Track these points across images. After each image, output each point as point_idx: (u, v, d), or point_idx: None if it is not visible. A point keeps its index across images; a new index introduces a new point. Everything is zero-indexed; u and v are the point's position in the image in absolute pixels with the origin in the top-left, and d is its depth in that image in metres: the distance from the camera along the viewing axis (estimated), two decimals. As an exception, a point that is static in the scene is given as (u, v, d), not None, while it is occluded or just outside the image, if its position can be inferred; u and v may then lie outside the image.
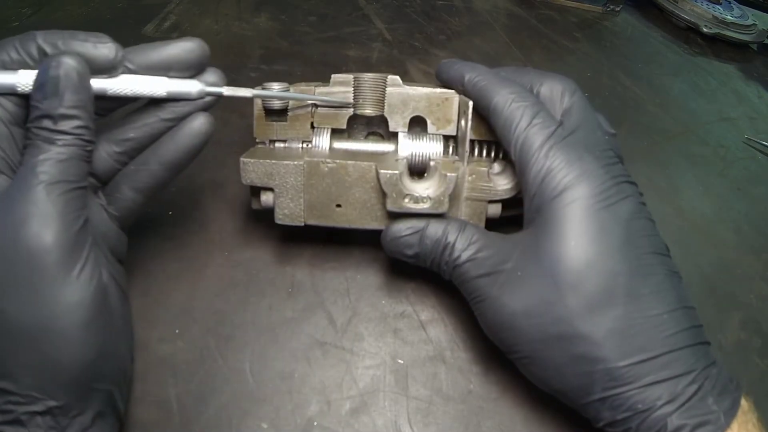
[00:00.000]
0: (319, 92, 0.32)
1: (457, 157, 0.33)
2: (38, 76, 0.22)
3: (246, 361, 0.30)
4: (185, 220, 0.37)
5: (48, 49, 0.23)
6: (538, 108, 0.28)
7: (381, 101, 0.33)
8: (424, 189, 0.29)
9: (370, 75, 0.32)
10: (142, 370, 0.29)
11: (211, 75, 0.27)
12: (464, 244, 0.28)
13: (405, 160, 0.31)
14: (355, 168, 0.30)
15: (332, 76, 0.33)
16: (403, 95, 0.32)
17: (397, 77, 0.32)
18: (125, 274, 0.27)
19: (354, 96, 0.33)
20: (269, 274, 0.34)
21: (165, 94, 0.25)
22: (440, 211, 0.29)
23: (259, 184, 0.31)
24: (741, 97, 0.62)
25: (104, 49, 0.23)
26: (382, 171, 0.29)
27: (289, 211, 0.31)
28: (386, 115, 0.33)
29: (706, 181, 0.48)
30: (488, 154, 0.33)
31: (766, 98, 0.64)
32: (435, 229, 0.29)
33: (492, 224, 0.32)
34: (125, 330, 0.26)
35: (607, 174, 0.26)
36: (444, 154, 0.33)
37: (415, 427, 0.29)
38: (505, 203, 0.32)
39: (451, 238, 0.28)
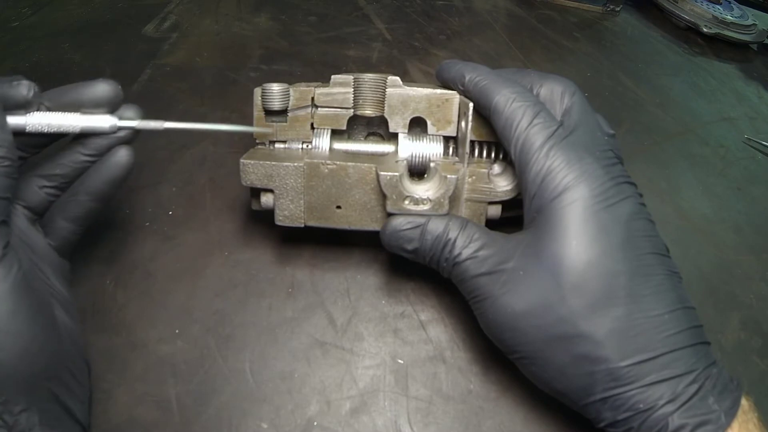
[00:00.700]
0: (319, 92, 0.32)
1: (457, 158, 0.33)
2: None
3: (246, 361, 0.30)
4: (185, 220, 0.37)
5: None
6: (538, 108, 0.28)
7: (381, 102, 0.33)
8: (425, 191, 0.29)
9: (370, 75, 0.32)
10: (142, 370, 0.29)
11: (129, 110, 0.28)
12: (465, 242, 0.28)
13: (405, 162, 0.31)
14: (355, 170, 0.30)
15: (332, 76, 0.33)
16: (403, 96, 0.32)
17: (397, 78, 0.32)
18: (71, 295, 0.28)
19: (354, 96, 0.33)
20: (269, 274, 0.34)
21: (79, 128, 0.27)
22: (440, 213, 0.29)
23: (259, 186, 0.31)
24: (741, 97, 0.62)
25: (20, 87, 0.25)
26: (382, 173, 0.29)
27: (289, 212, 0.31)
28: (386, 116, 0.33)
29: (706, 181, 0.48)
30: (488, 155, 0.33)
31: (766, 98, 0.64)
32: (436, 225, 0.29)
33: (492, 225, 0.32)
34: (71, 337, 0.26)
35: (607, 174, 0.26)
36: (444, 155, 0.33)
37: (415, 427, 0.29)
38: (505, 204, 0.32)
39: (452, 235, 0.28)
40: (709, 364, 0.24)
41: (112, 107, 0.28)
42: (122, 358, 0.30)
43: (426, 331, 0.33)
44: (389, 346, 0.32)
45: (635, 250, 0.25)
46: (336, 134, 0.34)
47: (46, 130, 0.26)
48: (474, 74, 0.31)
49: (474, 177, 0.31)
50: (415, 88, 0.32)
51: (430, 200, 0.29)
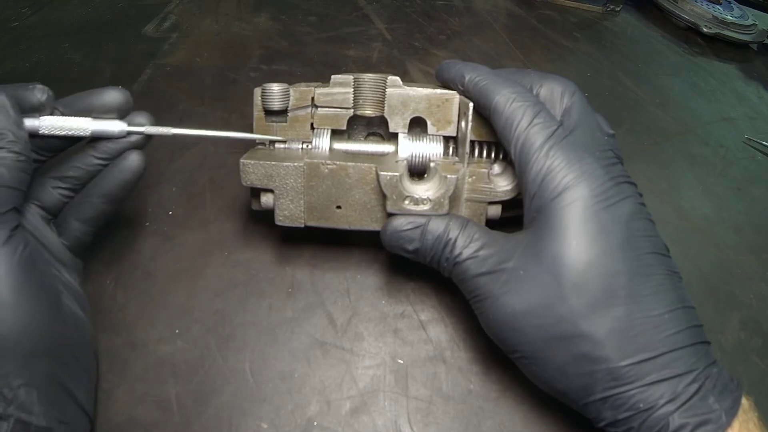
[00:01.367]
0: (319, 92, 0.32)
1: (457, 158, 0.33)
2: None
3: (246, 361, 0.30)
4: (185, 220, 0.37)
5: None
6: (539, 108, 0.28)
7: (381, 102, 0.33)
8: (425, 191, 0.29)
9: (370, 76, 0.32)
10: (142, 370, 0.29)
11: (139, 116, 0.30)
12: (465, 242, 0.28)
13: (405, 162, 0.31)
14: (355, 170, 0.30)
15: (332, 77, 0.33)
16: (403, 96, 0.32)
17: (398, 78, 0.32)
18: (84, 293, 0.29)
19: (354, 96, 0.33)
20: (269, 274, 0.34)
21: (90, 132, 0.28)
22: (440, 213, 0.29)
23: (259, 186, 0.31)
24: (741, 97, 0.62)
25: (35, 92, 0.27)
26: (382, 173, 0.29)
27: (290, 212, 0.31)
28: (386, 116, 0.33)
29: (706, 181, 0.48)
30: (488, 155, 0.33)
31: (766, 98, 0.64)
32: (437, 225, 0.29)
33: (492, 225, 0.32)
34: (80, 330, 0.27)
35: (607, 174, 0.26)
36: (444, 155, 0.33)
37: (415, 427, 0.29)
38: (505, 204, 0.32)
39: (452, 235, 0.28)
40: (709, 363, 0.24)
41: (122, 113, 0.29)
42: (122, 358, 0.30)
43: (426, 331, 0.33)
44: (389, 346, 0.32)
45: (635, 249, 0.25)
46: (336, 134, 0.34)
47: (58, 133, 0.28)
48: (474, 74, 0.31)
49: (474, 177, 0.31)
50: (415, 88, 0.32)
51: (430, 200, 0.29)
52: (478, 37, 0.62)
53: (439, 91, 0.32)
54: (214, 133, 0.31)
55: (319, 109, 0.33)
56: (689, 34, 0.73)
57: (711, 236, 0.43)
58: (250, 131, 0.33)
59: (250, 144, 0.34)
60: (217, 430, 0.28)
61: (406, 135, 0.33)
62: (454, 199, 0.30)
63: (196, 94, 0.47)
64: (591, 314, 0.24)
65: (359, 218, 0.31)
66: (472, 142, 0.32)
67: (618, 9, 0.74)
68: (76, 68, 0.48)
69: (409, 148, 0.33)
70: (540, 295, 0.25)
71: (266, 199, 0.31)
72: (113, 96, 0.29)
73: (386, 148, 0.34)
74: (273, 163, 0.30)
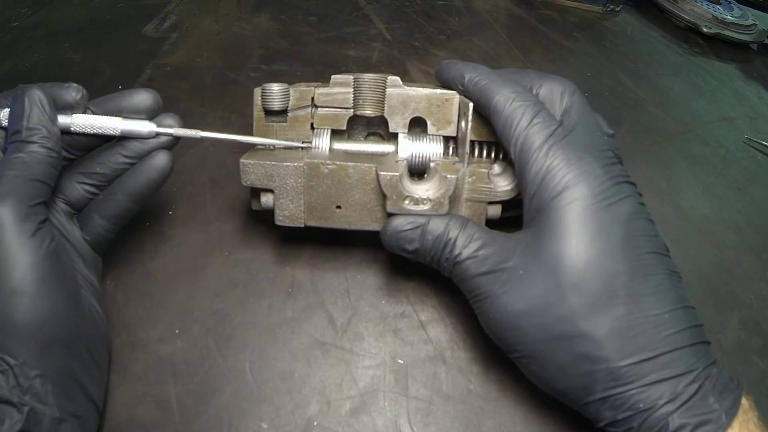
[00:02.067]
0: (319, 92, 0.32)
1: (457, 158, 0.33)
2: (11, 104, 0.27)
3: (246, 361, 0.30)
4: (185, 219, 0.37)
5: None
6: (538, 108, 0.28)
7: (381, 102, 0.33)
8: (424, 191, 0.29)
9: (370, 75, 0.32)
10: (142, 370, 0.29)
11: (168, 118, 0.30)
12: (465, 241, 0.28)
13: (405, 162, 0.31)
14: (355, 170, 0.30)
15: (332, 77, 0.33)
16: (403, 96, 0.32)
17: (397, 78, 0.32)
18: (99, 289, 0.30)
19: (354, 96, 0.33)
20: (269, 274, 0.34)
21: (119, 131, 0.29)
22: (440, 212, 0.29)
23: (259, 186, 0.31)
24: (741, 97, 0.62)
25: (70, 90, 0.28)
26: (382, 173, 0.29)
27: (290, 212, 0.31)
28: (386, 116, 0.33)
29: (706, 181, 0.48)
30: (488, 155, 0.33)
31: (766, 98, 0.64)
32: (437, 225, 0.29)
33: (492, 225, 0.32)
34: (96, 325, 0.27)
35: (607, 174, 0.26)
36: (444, 155, 0.33)
37: (415, 427, 0.29)
38: (505, 204, 0.32)
39: (452, 235, 0.28)
40: (709, 363, 0.24)
41: (151, 114, 0.30)
42: (122, 358, 0.30)
43: (426, 331, 0.33)
44: (389, 346, 0.32)
45: (635, 249, 0.25)
46: (336, 134, 0.34)
47: (89, 131, 0.28)
48: (474, 74, 0.31)
49: (474, 177, 0.31)
50: (415, 88, 0.32)
51: (430, 200, 0.29)
52: (478, 37, 0.62)
53: (439, 91, 0.32)
54: (241, 138, 0.31)
55: (319, 109, 0.33)
56: (689, 34, 0.73)
57: (711, 236, 0.43)
58: (250, 131, 0.33)
59: (250, 144, 0.33)
60: (217, 430, 0.28)
61: (406, 135, 0.33)
62: (454, 199, 0.30)
63: (196, 94, 0.47)
64: (591, 314, 0.24)
65: (359, 218, 0.31)
66: (472, 142, 0.32)
67: (618, 9, 0.74)
68: (76, 68, 0.48)
69: (409, 148, 0.33)
70: (540, 294, 0.25)
71: (266, 199, 0.31)
72: (143, 97, 0.30)
73: (386, 148, 0.34)
74: (273, 163, 0.30)
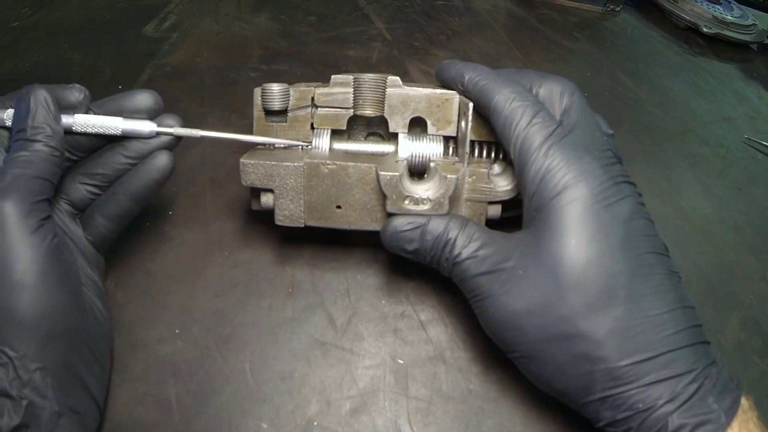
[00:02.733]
0: (319, 92, 0.32)
1: (457, 158, 0.33)
2: (16, 104, 0.28)
3: (246, 361, 0.30)
4: (185, 219, 0.37)
5: None
6: (538, 107, 0.28)
7: (381, 102, 0.33)
8: (425, 191, 0.29)
9: (370, 76, 0.32)
10: (142, 370, 0.29)
11: (168, 118, 0.31)
12: (465, 241, 0.28)
13: (405, 162, 0.31)
14: (355, 170, 0.30)
15: (332, 77, 0.33)
16: (403, 96, 0.32)
17: (397, 78, 0.32)
18: (103, 289, 0.30)
19: (354, 96, 0.33)
20: (269, 274, 0.34)
21: (120, 131, 0.29)
22: (440, 212, 0.29)
23: (259, 186, 0.31)
24: (741, 97, 0.62)
25: (73, 91, 0.29)
26: (382, 173, 0.29)
27: (290, 212, 0.31)
28: (386, 116, 0.33)
29: (706, 181, 0.48)
30: (488, 155, 0.33)
31: (766, 98, 0.64)
32: (436, 225, 0.29)
33: (492, 225, 0.32)
34: (98, 323, 0.27)
35: (606, 174, 0.26)
36: (444, 154, 0.33)
37: (415, 427, 0.29)
38: (505, 204, 0.32)
39: (452, 235, 0.28)
40: (708, 363, 0.24)
41: (152, 114, 0.30)
42: (122, 358, 0.30)
43: (426, 331, 0.33)
44: (389, 346, 0.32)
45: (635, 249, 0.25)
46: (336, 134, 0.34)
47: (90, 130, 0.29)
48: (474, 74, 0.31)
49: (474, 177, 0.31)
50: (415, 88, 0.32)
51: (430, 200, 0.29)
52: (478, 37, 0.62)
53: (439, 91, 0.32)
54: (241, 137, 0.32)
55: (319, 109, 0.33)
56: (689, 34, 0.73)
57: (711, 236, 0.43)
58: (250, 131, 0.33)
59: (250, 143, 0.33)
60: (217, 430, 0.28)
61: (406, 135, 0.33)
62: (454, 199, 0.30)
63: (196, 94, 0.47)
64: (590, 314, 0.24)
65: (359, 218, 0.31)
66: (472, 142, 0.32)
67: (618, 9, 0.74)
68: (76, 68, 0.48)
69: (409, 148, 0.33)
70: (539, 294, 0.25)
71: (266, 199, 0.31)
72: (144, 98, 0.30)
73: (386, 148, 0.34)
74: (273, 163, 0.30)
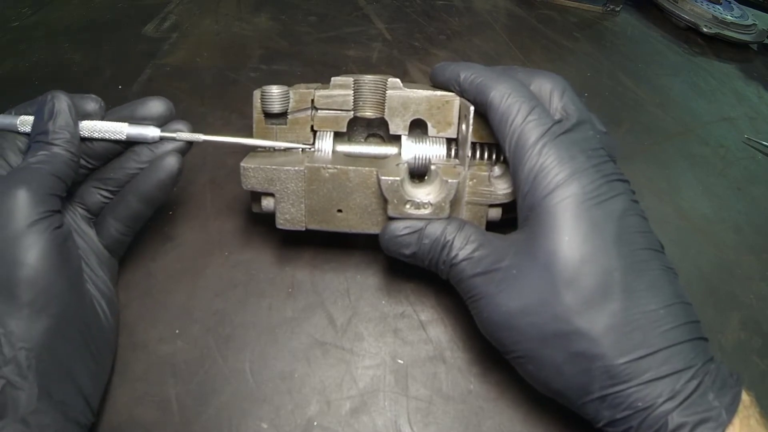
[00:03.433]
0: (319, 95, 0.32)
1: (457, 160, 0.33)
2: (38, 107, 0.28)
3: (246, 361, 0.30)
4: (185, 220, 0.37)
5: None
6: (533, 104, 0.28)
7: (381, 103, 0.33)
8: (425, 194, 0.29)
9: (370, 77, 0.32)
10: (142, 370, 0.29)
11: (178, 124, 0.32)
12: (462, 243, 0.28)
13: (406, 165, 0.31)
14: (356, 174, 0.30)
15: (332, 78, 0.33)
16: (403, 98, 0.32)
17: (398, 80, 0.32)
18: (115, 294, 0.30)
19: (354, 98, 0.32)
20: (269, 274, 0.34)
21: (125, 135, 0.30)
22: (441, 216, 0.29)
23: (259, 190, 0.31)
24: (741, 97, 0.62)
25: (90, 101, 0.30)
26: (383, 177, 0.29)
27: (290, 216, 0.31)
28: (386, 117, 0.33)
29: (706, 181, 0.48)
30: (489, 156, 0.33)
31: (766, 98, 0.64)
32: (434, 228, 0.29)
33: (492, 227, 0.32)
34: (100, 326, 0.28)
35: (599, 172, 0.26)
36: (445, 157, 0.33)
37: (415, 427, 0.29)
38: (506, 207, 0.32)
39: (449, 237, 0.28)
40: (707, 359, 0.24)
41: (163, 121, 0.31)
42: (122, 358, 0.30)
43: (426, 331, 0.33)
44: (389, 346, 0.32)
45: (629, 245, 0.25)
46: (336, 136, 0.34)
47: (96, 136, 0.30)
48: (469, 72, 0.31)
49: (475, 180, 0.31)
50: (416, 90, 0.32)
51: (431, 204, 0.29)
52: (478, 37, 0.62)
53: (439, 93, 0.32)
54: (243, 141, 0.32)
55: (318, 111, 0.33)
56: (689, 34, 0.73)
57: (711, 236, 0.43)
58: (250, 131, 0.33)
59: (252, 146, 0.34)
60: (217, 430, 0.28)
61: (406, 137, 0.33)
62: (455, 202, 0.30)
63: (196, 94, 0.47)
64: (586, 311, 0.24)
65: (360, 222, 0.31)
66: (473, 144, 0.32)
67: (618, 9, 0.74)
68: (76, 68, 0.48)
69: (409, 150, 0.33)
70: (534, 292, 0.25)
71: (267, 203, 0.31)
72: (156, 105, 0.31)
73: (387, 150, 0.34)
74: (274, 167, 0.30)
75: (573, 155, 0.26)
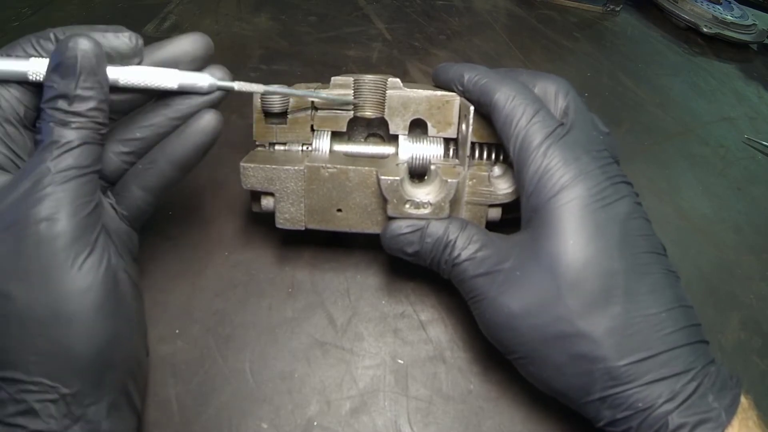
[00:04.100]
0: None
1: (457, 160, 0.33)
2: (53, 56, 0.22)
3: (246, 361, 0.30)
4: (185, 220, 0.37)
5: None
6: (538, 106, 0.28)
7: (381, 103, 0.33)
8: (425, 194, 0.29)
9: (370, 77, 0.32)
10: (142, 370, 0.29)
11: (218, 71, 0.27)
12: (464, 243, 0.28)
13: (405, 165, 0.31)
14: (356, 173, 0.30)
15: (332, 78, 0.33)
16: (403, 98, 0.32)
17: (398, 80, 0.32)
18: (138, 269, 0.27)
19: (354, 98, 0.32)
20: (269, 274, 0.34)
21: (176, 86, 0.24)
22: (441, 216, 0.29)
23: (259, 189, 0.31)
24: (741, 97, 0.62)
25: (124, 38, 0.23)
26: (383, 177, 0.29)
27: (290, 215, 0.31)
28: (386, 117, 0.33)
29: (706, 181, 0.48)
30: (488, 156, 0.33)
31: (766, 98, 0.64)
32: (436, 227, 0.29)
33: (492, 227, 0.32)
34: (139, 321, 0.26)
35: (604, 174, 0.26)
36: (444, 156, 0.33)
37: (415, 427, 0.29)
38: (506, 207, 0.32)
39: (452, 237, 0.28)
40: (707, 362, 0.24)
41: (203, 64, 0.26)
42: (123, 359, 0.30)
43: (426, 331, 0.33)
44: (389, 346, 0.32)
45: (632, 248, 0.25)
46: (336, 136, 0.34)
47: (140, 85, 0.24)
48: (473, 73, 0.31)
49: (474, 180, 0.31)
50: (416, 90, 0.32)
51: (431, 204, 0.29)
52: (478, 37, 0.62)
53: (439, 93, 0.32)
54: (306, 93, 0.29)
55: (318, 111, 0.33)
56: (689, 34, 0.73)
57: (711, 236, 0.43)
58: (250, 131, 0.33)
59: (250, 144, 0.33)
60: (217, 430, 0.28)
61: (406, 136, 0.33)
62: (454, 202, 0.30)
63: (197, 94, 0.47)
64: (588, 313, 0.24)
65: (360, 221, 0.31)
66: (473, 144, 0.32)
67: (618, 9, 0.74)
68: (77, 68, 0.48)
69: (409, 149, 0.33)
70: (537, 294, 0.25)
71: (266, 202, 0.31)
72: (197, 42, 0.25)
73: (386, 149, 0.34)
74: (273, 166, 0.30)
75: (578, 157, 0.26)
